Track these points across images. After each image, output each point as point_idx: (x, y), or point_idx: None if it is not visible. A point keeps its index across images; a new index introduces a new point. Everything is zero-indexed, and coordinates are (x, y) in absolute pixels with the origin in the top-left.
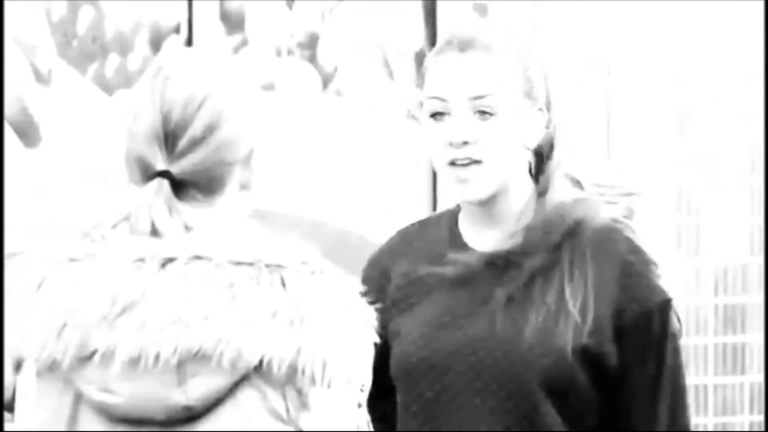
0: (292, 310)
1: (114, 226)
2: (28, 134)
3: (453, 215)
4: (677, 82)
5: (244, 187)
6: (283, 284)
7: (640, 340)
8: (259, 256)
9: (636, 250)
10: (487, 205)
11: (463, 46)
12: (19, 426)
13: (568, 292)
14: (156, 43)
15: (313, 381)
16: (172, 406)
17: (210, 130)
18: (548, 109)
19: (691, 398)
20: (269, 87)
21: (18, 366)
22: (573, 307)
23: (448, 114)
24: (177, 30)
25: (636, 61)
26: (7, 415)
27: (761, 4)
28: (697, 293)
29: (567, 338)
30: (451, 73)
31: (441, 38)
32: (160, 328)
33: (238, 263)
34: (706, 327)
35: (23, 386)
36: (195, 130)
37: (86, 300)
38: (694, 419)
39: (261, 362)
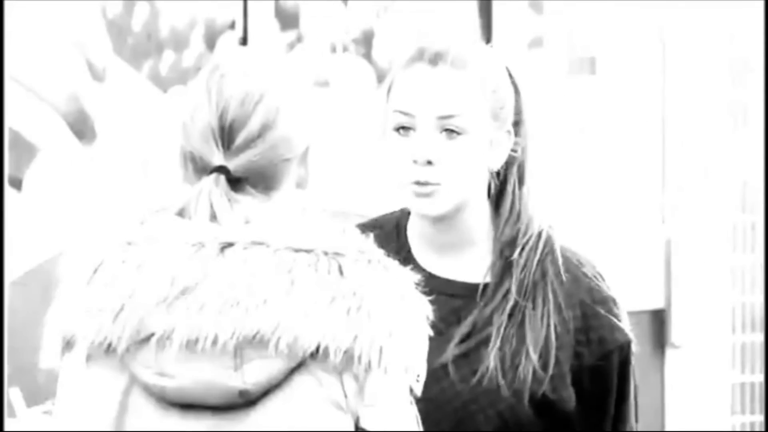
0: (350, 298)
1: (175, 213)
2: (84, 131)
3: (399, 222)
4: (732, 78)
5: (299, 185)
6: (341, 272)
7: (599, 383)
8: (317, 244)
9: (596, 288)
10: (442, 222)
11: (435, 59)
12: (63, 409)
13: (530, 337)
14: (211, 40)
15: (369, 368)
16: (228, 391)
17: (266, 127)
18: (518, 131)
19: (739, 397)
20: (324, 83)
21: (66, 348)
22: (534, 353)
23: (413, 129)
24: (232, 27)
25: (691, 58)
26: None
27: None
28: (753, 291)
29: (525, 386)
30: (420, 88)
31: (412, 47)
32: (218, 311)
33: (297, 250)
34: (759, 324)
35: (70, 369)
36: (252, 127)
37: (144, 283)
38: (745, 418)
39: (318, 349)
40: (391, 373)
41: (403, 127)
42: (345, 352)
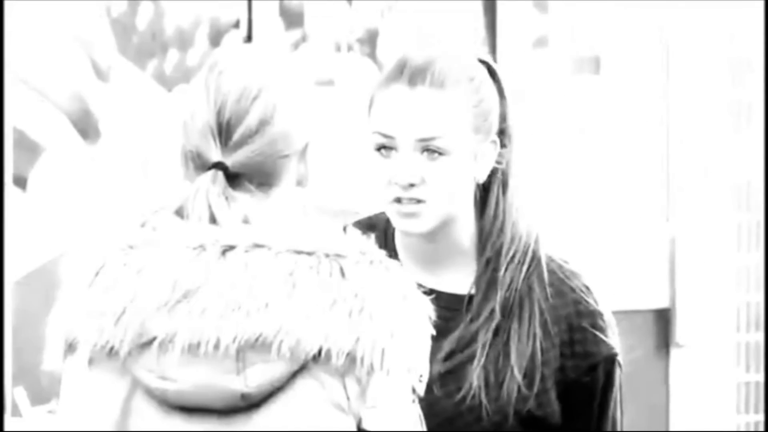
0: (352, 300)
1: (174, 213)
2: (88, 130)
3: (387, 229)
4: (736, 78)
5: (300, 182)
6: (343, 274)
7: (584, 394)
8: (319, 246)
9: (581, 302)
10: (429, 236)
11: (413, 78)
12: (66, 411)
13: (514, 355)
14: (215, 39)
15: (371, 370)
16: (230, 394)
17: (264, 122)
18: (503, 140)
19: (744, 396)
20: (328, 83)
21: (68, 351)
22: (518, 372)
23: (395, 149)
24: (236, 26)
25: (695, 57)
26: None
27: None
28: (757, 290)
29: (509, 404)
30: (399, 110)
31: (392, 62)
32: (220, 315)
33: (298, 252)
34: (764, 323)
35: (73, 372)
36: (249, 122)
37: (146, 286)
38: (750, 417)
39: (320, 351)
40: (394, 375)
41: (385, 147)
42: (347, 354)
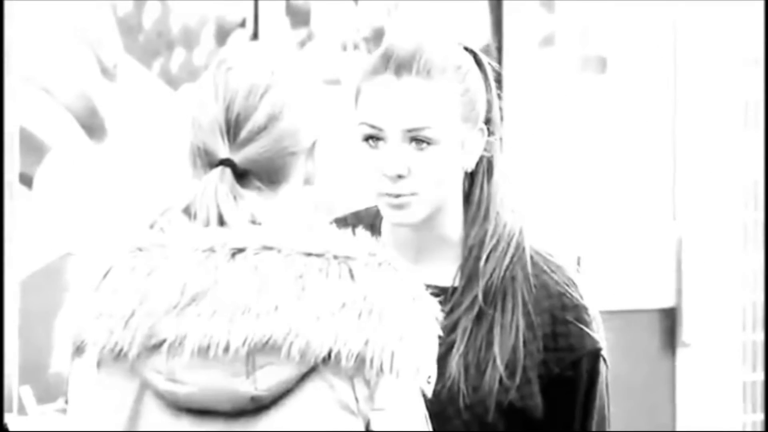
0: (361, 302)
1: (182, 211)
2: (95, 129)
3: (375, 223)
4: (743, 77)
5: (308, 181)
6: (352, 276)
7: (567, 389)
8: (328, 247)
9: (566, 295)
10: (420, 226)
11: (399, 68)
12: (75, 413)
13: (497, 345)
14: (221, 38)
15: (380, 372)
16: (239, 397)
17: (272, 119)
18: (490, 129)
19: (750, 395)
20: (335, 81)
21: (76, 353)
22: (500, 362)
23: (383, 140)
24: (243, 25)
25: (702, 56)
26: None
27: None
28: (763, 289)
29: (491, 395)
30: (386, 101)
31: (378, 51)
32: (229, 317)
33: (308, 254)
34: None
35: (81, 374)
36: (257, 119)
37: (155, 289)
38: (756, 416)
39: (329, 353)
40: (403, 377)
41: (372, 138)
42: (356, 356)
